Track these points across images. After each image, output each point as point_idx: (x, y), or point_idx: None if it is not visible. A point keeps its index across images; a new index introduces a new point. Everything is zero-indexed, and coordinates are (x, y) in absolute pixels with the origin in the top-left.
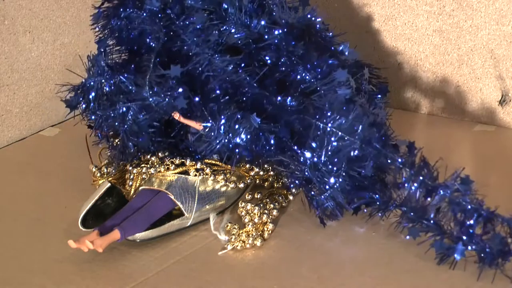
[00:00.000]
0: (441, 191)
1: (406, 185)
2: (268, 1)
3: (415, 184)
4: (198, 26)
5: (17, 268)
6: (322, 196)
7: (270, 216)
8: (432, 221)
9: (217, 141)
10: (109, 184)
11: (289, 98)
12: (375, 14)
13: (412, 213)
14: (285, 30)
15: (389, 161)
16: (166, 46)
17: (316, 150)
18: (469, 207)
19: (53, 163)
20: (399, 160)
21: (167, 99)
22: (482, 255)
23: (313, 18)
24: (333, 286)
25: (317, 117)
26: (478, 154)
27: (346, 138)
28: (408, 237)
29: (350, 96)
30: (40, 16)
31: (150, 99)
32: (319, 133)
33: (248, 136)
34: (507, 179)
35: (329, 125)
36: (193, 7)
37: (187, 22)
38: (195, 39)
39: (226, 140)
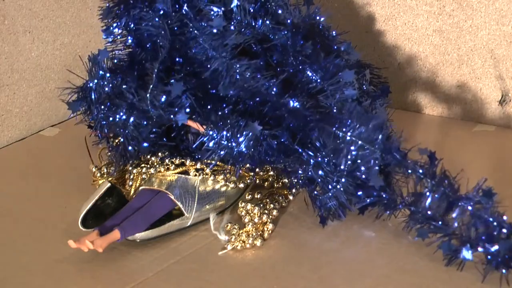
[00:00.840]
0: (462, 203)
1: (427, 196)
2: (271, 2)
3: (436, 195)
4: (214, 30)
5: (17, 268)
6: (325, 196)
7: (270, 216)
8: (440, 222)
9: (219, 150)
10: (109, 184)
11: (295, 99)
12: (375, 14)
13: (420, 214)
14: (292, 29)
15: (409, 171)
16: (175, 47)
17: (330, 157)
18: (491, 220)
19: (53, 163)
20: (420, 170)
21: (167, 113)
22: (490, 257)
23: (317, 17)
24: (333, 286)
25: (336, 125)
26: (478, 154)
27: (366, 147)
28: (416, 238)
29: (356, 97)
30: (40, 16)
31: (151, 112)
32: (338, 142)
33: (251, 143)
34: (508, 179)
35: (349, 133)
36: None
37: (204, 24)
38: (212, 42)
39: (229, 148)
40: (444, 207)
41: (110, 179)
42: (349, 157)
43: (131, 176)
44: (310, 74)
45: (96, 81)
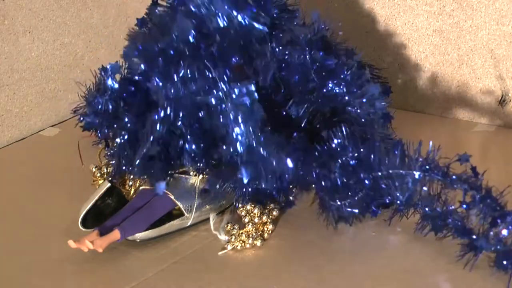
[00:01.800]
0: (509, 217)
1: (474, 209)
2: (282, 22)
3: (483, 208)
4: (247, 102)
5: (17, 268)
6: (342, 203)
7: (270, 216)
8: (455, 220)
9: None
10: (109, 184)
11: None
12: (375, 14)
13: (436, 212)
14: (310, 46)
15: (455, 186)
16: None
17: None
18: None
19: (53, 163)
20: (465, 186)
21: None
22: (501, 258)
23: (322, 27)
24: (333, 286)
25: (365, 170)
26: (478, 154)
27: (404, 173)
28: (428, 232)
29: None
30: (40, 16)
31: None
32: (381, 184)
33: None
34: (508, 179)
35: (384, 171)
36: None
37: (237, 93)
38: (242, 115)
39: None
40: (489, 221)
41: (110, 179)
42: (396, 190)
43: (131, 176)
44: (334, 87)
45: (103, 95)
